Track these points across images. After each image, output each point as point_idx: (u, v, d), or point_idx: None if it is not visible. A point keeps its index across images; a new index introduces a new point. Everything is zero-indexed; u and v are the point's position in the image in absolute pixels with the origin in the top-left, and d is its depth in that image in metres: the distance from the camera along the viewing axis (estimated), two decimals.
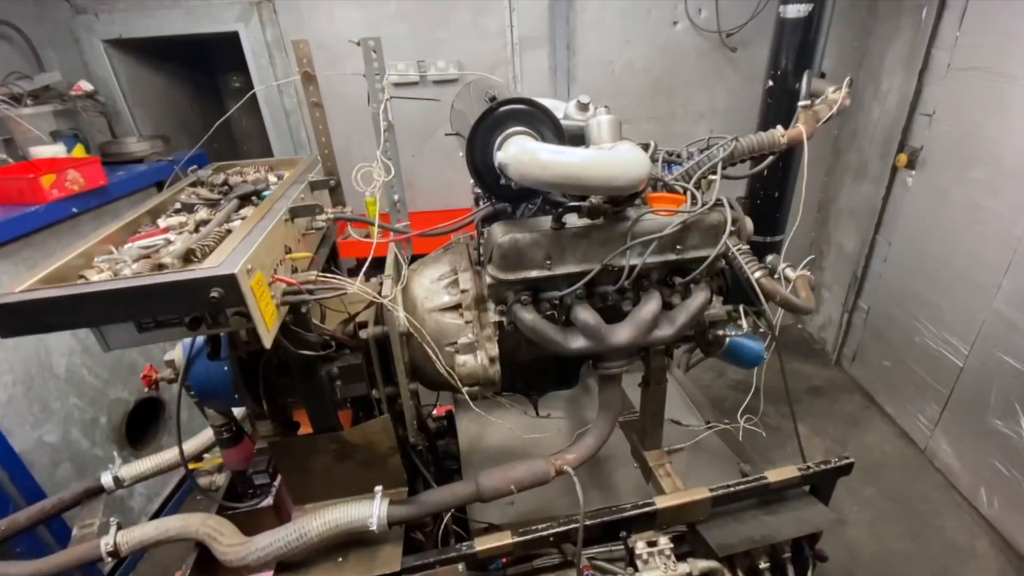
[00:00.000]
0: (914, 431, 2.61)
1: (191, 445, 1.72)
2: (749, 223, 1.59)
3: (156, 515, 2.54)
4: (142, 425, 2.54)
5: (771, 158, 1.58)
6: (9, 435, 1.83)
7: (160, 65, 3.46)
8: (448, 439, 2.14)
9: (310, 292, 1.13)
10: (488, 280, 1.27)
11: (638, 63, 2.96)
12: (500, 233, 1.23)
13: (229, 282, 0.90)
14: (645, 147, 1.35)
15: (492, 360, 1.37)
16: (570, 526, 1.37)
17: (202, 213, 1.28)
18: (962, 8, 2.17)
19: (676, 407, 2.24)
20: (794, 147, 1.50)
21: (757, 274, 1.42)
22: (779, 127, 1.47)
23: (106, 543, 1.31)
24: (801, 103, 1.49)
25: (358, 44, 1.35)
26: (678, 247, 1.28)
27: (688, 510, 1.43)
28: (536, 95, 3.07)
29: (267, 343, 0.99)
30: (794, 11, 1.84)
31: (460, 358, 1.39)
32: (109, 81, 3.10)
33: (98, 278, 0.97)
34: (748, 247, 1.48)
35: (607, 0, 2.81)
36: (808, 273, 1.62)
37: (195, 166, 2.32)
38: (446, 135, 1.14)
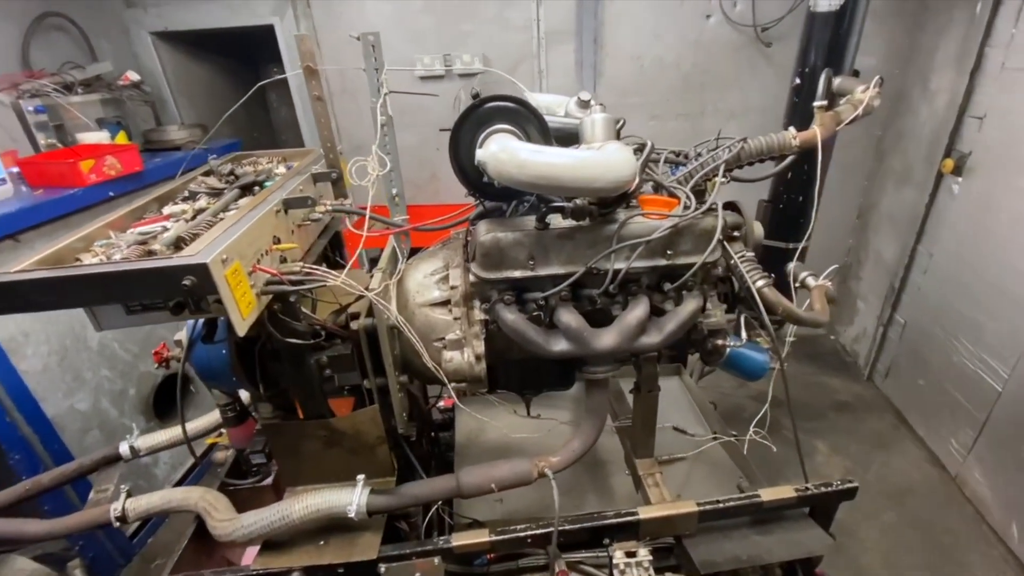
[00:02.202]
0: (945, 456, 2.44)
1: (203, 422, 1.80)
2: (758, 228, 1.52)
3: (179, 483, 2.68)
4: (171, 398, 2.68)
5: (788, 160, 1.50)
6: (43, 401, 1.97)
7: (204, 56, 3.62)
8: (452, 431, 2.16)
9: (291, 283, 1.16)
10: (471, 278, 1.27)
11: (668, 58, 2.87)
12: (483, 231, 1.22)
13: (201, 271, 0.93)
14: (641, 147, 1.30)
15: (478, 358, 1.37)
16: (548, 529, 1.36)
17: (202, 202, 1.33)
18: (1020, 2, 1.98)
19: (683, 415, 2.19)
20: (808, 150, 1.42)
21: (759, 283, 1.36)
22: (791, 128, 1.40)
23: (115, 509, 1.39)
24: (816, 103, 1.41)
25: (358, 39, 1.37)
26: (669, 252, 1.24)
27: (673, 523, 1.39)
28: (560, 90, 3.05)
29: (240, 331, 1.02)
30: (825, 4, 1.74)
31: (447, 354, 1.40)
32: (156, 71, 3.27)
33: (90, 262, 1.03)
34: (753, 254, 1.41)
35: None
36: (828, 283, 1.54)
37: (214, 156, 2.42)
38: (441, 130, 1.13)
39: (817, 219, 2.93)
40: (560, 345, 1.27)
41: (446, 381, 1.43)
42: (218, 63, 3.78)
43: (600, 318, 1.34)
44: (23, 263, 0.99)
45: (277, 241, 1.23)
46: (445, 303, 1.43)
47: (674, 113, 3.00)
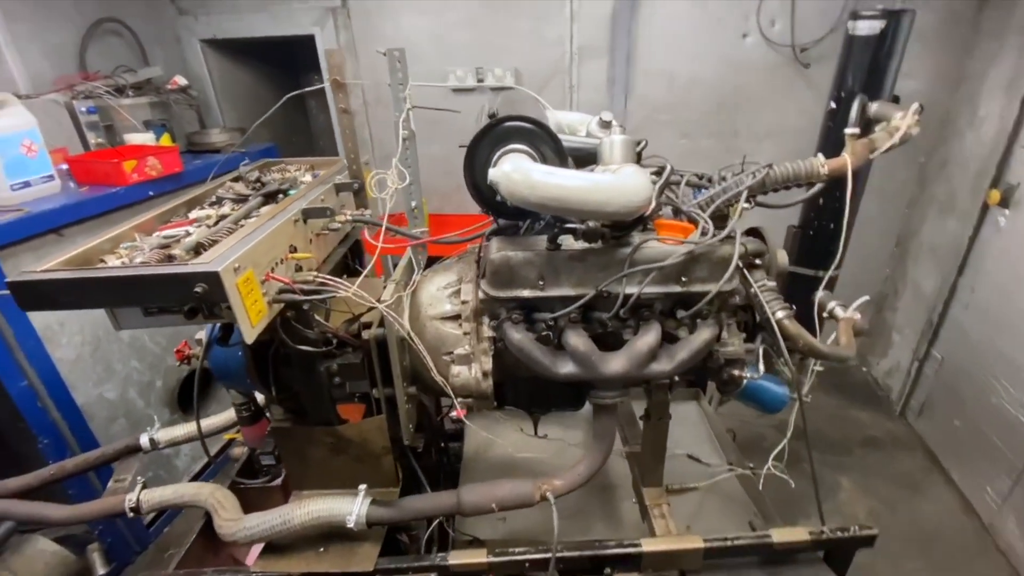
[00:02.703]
0: (979, 503, 2.29)
1: (220, 419, 1.84)
2: (782, 256, 1.47)
3: (198, 475, 2.76)
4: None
5: (816, 188, 1.46)
6: (73, 389, 2.06)
7: (248, 63, 3.77)
8: (462, 442, 2.16)
9: (303, 292, 1.18)
10: (481, 295, 1.27)
11: (702, 76, 2.83)
12: (494, 249, 1.22)
13: (213, 279, 0.95)
14: (659, 171, 1.28)
15: (485, 374, 1.36)
16: (547, 554, 1.34)
17: (226, 208, 1.37)
18: None
19: (699, 443, 2.13)
20: (838, 179, 1.37)
21: (779, 314, 1.32)
22: (820, 155, 1.35)
23: (130, 500, 1.43)
24: (848, 131, 1.36)
25: (384, 54, 1.40)
26: (683, 279, 1.21)
27: (677, 558, 1.35)
28: (591, 106, 3.06)
29: (248, 338, 1.04)
30: (865, 28, 1.68)
31: (455, 368, 1.40)
32: (203, 76, 3.42)
33: (113, 264, 1.07)
34: (774, 283, 1.37)
35: (673, 10, 2.72)
36: (856, 316, 1.48)
37: (245, 162, 2.50)
38: (460, 147, 1.14)
39: (849, 247, 2.84)
40: (567, 368, 1.26)
41: (452, 395, 1.43)
42: (262, 70, 3.92)
43: (611, 341, 1.32)
44: (51, 262, 1.03)
45: (293, 250, 1.26)
46: (456, 317, 1.43)
47: (706, 132, 2.96)
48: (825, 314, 1.52)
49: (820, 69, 2.64)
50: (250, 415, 1.61)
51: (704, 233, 1.21)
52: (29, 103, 2.36)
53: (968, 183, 2.45)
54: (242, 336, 1.05)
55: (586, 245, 1.19)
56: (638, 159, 1.57)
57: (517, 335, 1.24)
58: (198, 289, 0.96)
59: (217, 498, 1.43)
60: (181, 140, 3.02)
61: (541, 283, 1.21)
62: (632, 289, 1.19)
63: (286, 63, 4.24)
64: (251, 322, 1.06)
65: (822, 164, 1.34)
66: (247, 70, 3.79)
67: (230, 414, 1.85)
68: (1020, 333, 2.09)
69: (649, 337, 1.23)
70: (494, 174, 1.07)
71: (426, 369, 1.39)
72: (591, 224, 1.13)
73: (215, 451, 2.84)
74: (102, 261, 1.08)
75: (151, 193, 2.31)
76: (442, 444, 2.09)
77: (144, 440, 1.75)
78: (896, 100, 1.86)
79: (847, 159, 1.34)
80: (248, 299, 1.04)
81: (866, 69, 1.72)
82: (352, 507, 1.33)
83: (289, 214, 1.30)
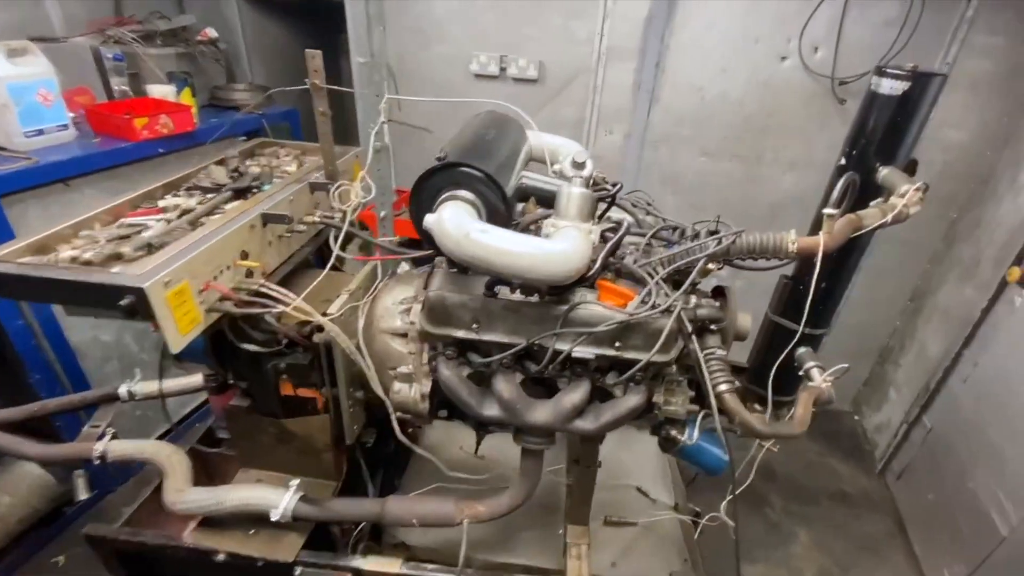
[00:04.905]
0: None
1: (189, 380, 1.91)
2: (743, 320, 1.43)
3: (182, 421, 2.81)
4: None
5: (786, 262, 1.40)
6: (68, 330, 2.19)
7: (283, 19, 3.74)
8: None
9: (242, 303, 1.22)
10: (418, 327, 1.28)
11: (732, 94, 2.68)
12: (434, 285, 1.23)
13: (139, 293, 0.99)
14: (615, 228, 1.24)
15: (423, 396, 1.39)
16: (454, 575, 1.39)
17: (192, 201, 1.41)
18: None
19: (652, 475, 2.13)
20: (807, 258, 1.30)
21: (721, 388, 1.29)
22: (792, 232, 1.29)
23: (97, 449, 1.54)
24: (827, 211, 1.28)
25: (361, 60, 1.37)
26: (618, 344, 1.20)
27: None
28: (614, 110, 2.94)
29: (174, 348, 1.09)
30: (888, 87, 1.55)
31: (396, 385, 1.43)
32: (235, 29, 3.42)
33: (65, 255, 1.12)
34: (724, 352, 1.34)
35: (711, 20, 2.55)
36: (824, 385, 1.43)
37: (243, 137, 2.53)
38: (436, 159, 1.12)
39: (862, 293, 2.71)
40: (492, 411, 1.27)
41: (391, 410, 1.47)
42: (296, 27, 3.89)
43: (546, 385, 1.32)
44: (10, 248, 1.09)
45: (244, 256, 1.29)
46: (405, 335, 1.45)
47: (729, 153, 2.82)
48: (801, 372, 1.48)
49: (856, 106, 2.45)
50: (217, 385, 1.69)
51: (645, 301, 1.18)
52: (57, 47, 2.43)
53: (994, 252, 2.28)
54: None
55: (522, 297, 1.18)
56: (612, 201, 1.53)
57: (446, 372, 1.26)
58: (124, 302, 1.00)
59: (172, 461, 1.51)
60: (205, 93, 3.06)
61: (475, 326, 1.21)
62: (564, 346, 1.18)
63: (321, 23, 4.19)
64: (180, 332, 1.10)
65: (792, 242, 1.27)
66: (281, 27, 3.76)
67: (199, 377, 1.93)
68: (1012, 423, 1.98)
69: (575, 395, 1.23)
70: (430, 221, 1.06)
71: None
72: None
73: (192, 407, 2.87)
74: (55, 251, 1.13)
75: (161, 150, 2.38)
76: (409, 429, 2.15)
77: (123, 391, 1.85)
78: (914, 164, 1.73)
79: (820, 241, 1.27)
80: (178, 311, 1.08)
81: (883, 129, 1.60)
82: (281, 500, 1.39)
83: (248, 217, 1.32)
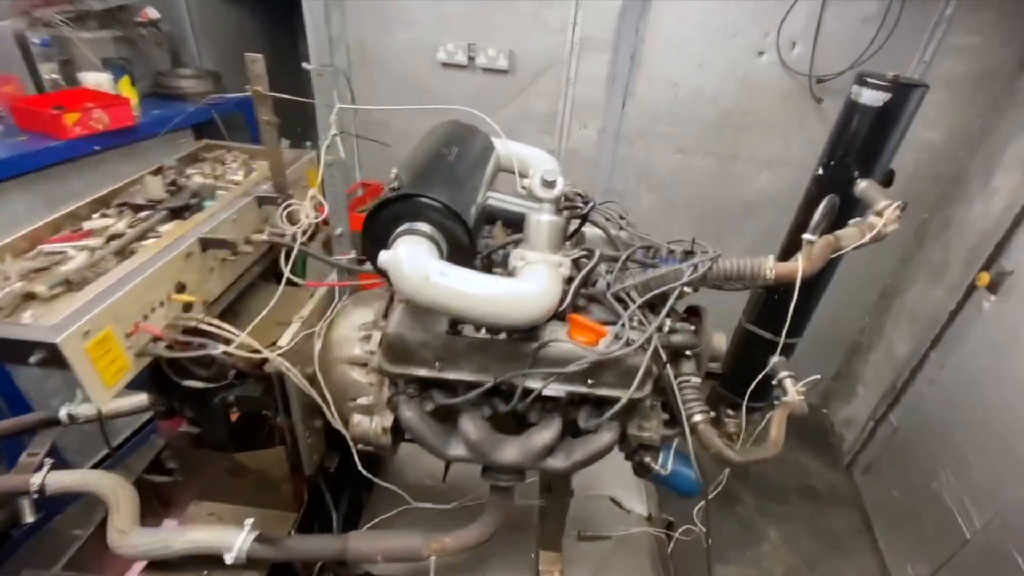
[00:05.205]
0: None
1: (132, 401, 1.76)
2: (718, 341, 1.38)
3: (128, 440, 2.62)
4: None
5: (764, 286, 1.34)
6: None
7: None
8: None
9: (176, 345, 1.10)
10: (376, 364, 1.19)
11: (708, 90, 2.60)
12: (392, 322, 1.13)
13: (52, 349, 0.87)
14: (588, 253, 1.16)
15: (385, 430, 1.31)
16: None
17: (121, 224, 1.27)
18: None
19: (627, 485, 2.10)
20: (785, 284, 1.25)
21: (696, 419, 1.24)
22: (770, 258, 1.23)
23: (34, 482, 1.42)
24: (806, 236, 1.22)
25: (310, 67, 1.24)
26: (590, 381, 1.13)
27: None
28: (588, 104, 2.83)
29: (99, 402, 0.98)
30: (869, 97, 1.50)
31: (356, 417, 1.34)
32: (179, 8, 3.14)
33: None
34: (698, 380, 1.28)
35: (686, 14, 2.45)
36: (797, 399, 1.40)
37: (191, 129, 2.33)
38: (389, 188, 1.01)
39: (833, 288, 2.71)
40: (458, 450, 1.20)
41: (352, 444, 1.38)
42: (249, 4, 3.61)
43: (517, 420, 1.25)
44: None
45: (181, 289, 1.17)
46: (364, 364, 1.36)
47: (704, 150, 2.76)
48: (774, 382, 1.44)
49: (834, 106, 2.41)
50: (165, 411, 1.57)
51: (620, 336, 1.11)
52: None
53: (963, 255, 2.29)
54: None
55: (488, 335, 1.09)
56: (584, 219, 1.44)
57: (408, 413, 1.17)
58: (34, 359, 0.88)
59: (117, 495, 1.40)
60: (147, 80, 2.82)
61: (438, 364, 1.12)
62: (535, 385, 1.10)
63: (280, 2, 3.92)
64: (104, 385, 0.98)
65: (770, 268, 1.22)
66: (232, 5, 3.47)
67: (138, 400, 1.80)
68: (975, 426, 2.02)
69: (546, 434, 1.16)
70: (385, 259, 0.96)
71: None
72: None
73: (133, 429, 2.66)
74: None
75: (97, 148, 2.18)
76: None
77: (63, 414, 1.72)
78: (891, 175, 1.69)
79: (798, 267, 1.22)
80: (101, 362, 0.96)
81: (862, 140, 1.55)
82: (235, 542, 1.30)
83: (185, 244, 1.20)
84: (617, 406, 1.10)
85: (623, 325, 1.12)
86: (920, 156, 2.45)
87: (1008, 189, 2.13)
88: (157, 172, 1.53)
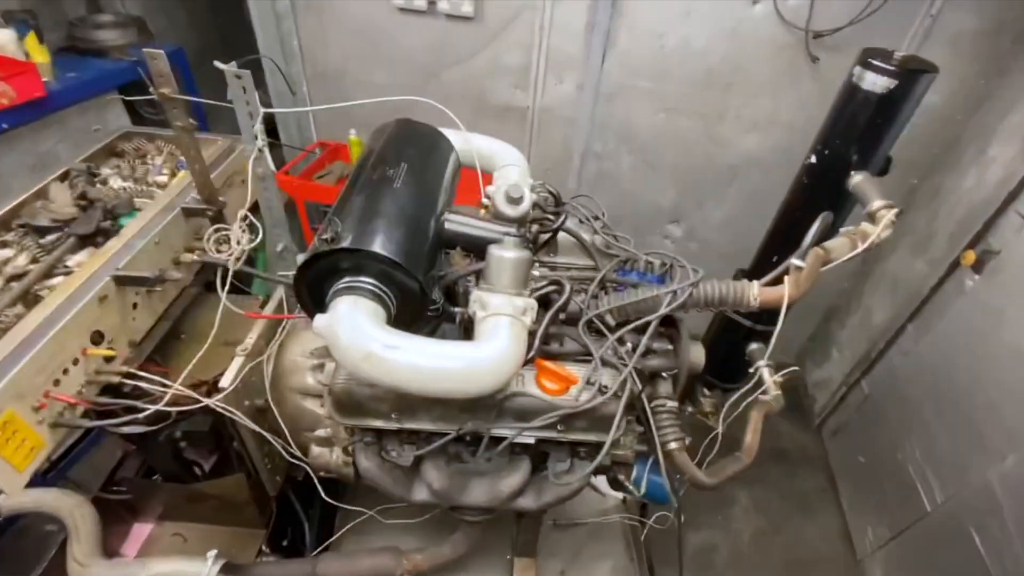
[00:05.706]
0: (858, 539, 2.42)
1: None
2: (696, 355, 1.30)
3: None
4: None
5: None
6: None
7: None
8: None
9: (97, 410, 0.98)
10: (326, 413, 1.09)
11: (695, 43, 2.36)
12: (340, 376, 1.02)
13: None
14: (557, 288, 1.05)
15: (347, 462, 1.24)
16: None
17: (22, 258, 1.10)
18: None
19: None
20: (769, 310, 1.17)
21: (671, 445, 1.20)
22: (756, 284, 1.14)
23: None
24: (795, 262, 1.12)
25: (224, 67, 1.03)
26: (560, 428, 1.05)
27: None
28: (565, 57, 2.60)
29: (13, 492, 0.87)
30: (871, 82, 1.34)
31: (315, 449, 1.27)
32: None
33: None
34: (674, 404, 1.23)
35: None
36: (773, 397, 1.38)
37: (115, 90, 2.04)
38: (322, 239, 0.87)
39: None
40: (422, 495, 1.14)
41: (312, 473, 1.32)
42: None
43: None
44: None
45: (98, 339, 1.03)
46: (318, 395, 1.27)
47: (689, 111, 2.55)
48: (752, 369, 1.42)
49: (831, 63, 2.22)
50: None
51: (592, 382, 1.03)
52: None
53: (950, 228, 2.22)
54: None
55: None
56: (555, 234, 1.32)
57: (366, 463, 1.10)
58: None
59: (76, 517, 1.33)
60: (59, 32, 2.45)
61: (395, 416, 1.03)
62: (505, 432, 1.03)
63: None
64: (16, 470, 0.87)
65: (755, 296, 1.12)
66: None
67: None
68: (944, 403, 2.04)
69: (513, 480, 1.10)
70: (320, 324, 0.83)
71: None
72: None
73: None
74: None
75: (5, 126, 1.90)
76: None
77: None
78: (888, 163, 1.56)
79: (784, 293, 1.12)
80: (7, 449, 0.85)
81: (861, 127, 1.41)
82: (199, 574, 1.26)
83: (98, 286, 1.05)
84: (596, 462, 1.04)
85: (595, 368, 1.04)
86: (915, 118, 2.29)
87: (1003, 163, 2.02)
88: (64, 177, 1.33)
